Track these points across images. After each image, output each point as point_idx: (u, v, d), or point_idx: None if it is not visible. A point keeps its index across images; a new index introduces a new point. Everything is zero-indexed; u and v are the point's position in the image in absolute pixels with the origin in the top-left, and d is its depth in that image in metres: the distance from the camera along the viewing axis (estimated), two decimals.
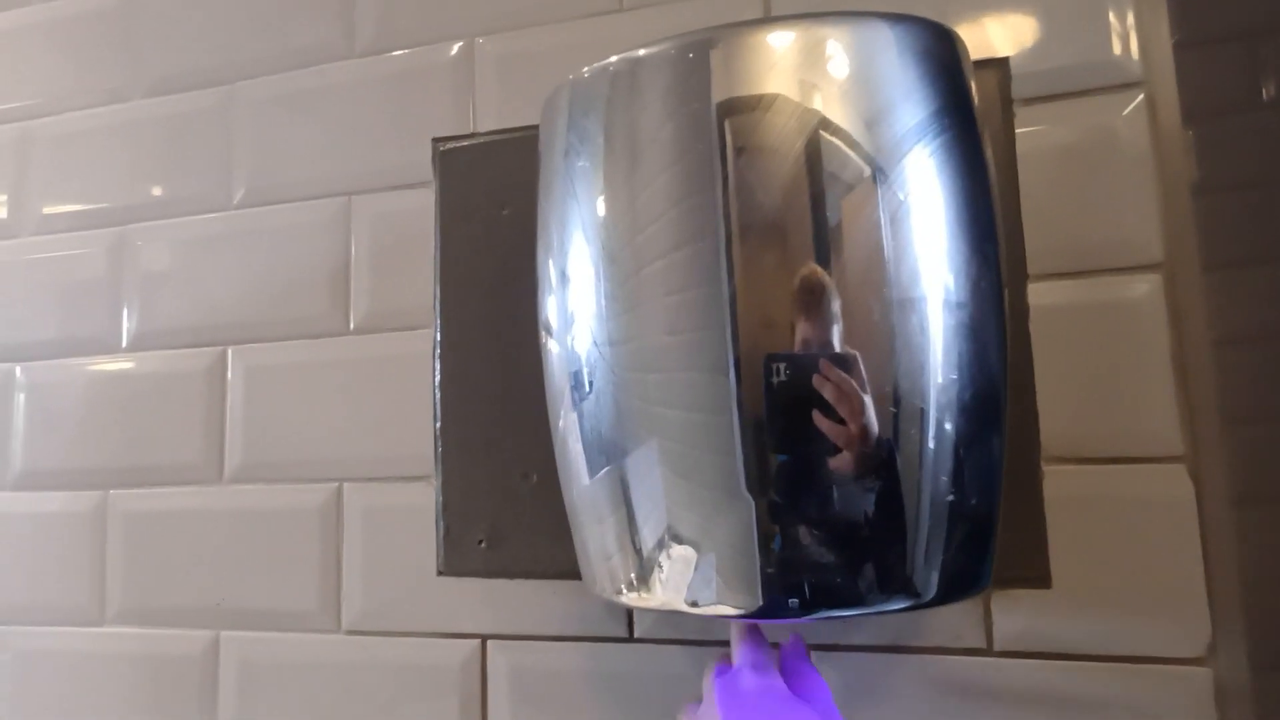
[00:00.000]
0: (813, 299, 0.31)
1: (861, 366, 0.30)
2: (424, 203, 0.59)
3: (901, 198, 0.31)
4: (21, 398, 0.66)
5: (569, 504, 0.39)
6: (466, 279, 0.58)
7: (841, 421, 0.30)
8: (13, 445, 0.66)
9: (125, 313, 0.65)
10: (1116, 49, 0.47)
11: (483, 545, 0.54)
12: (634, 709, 0.50)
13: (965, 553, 0.32)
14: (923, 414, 0.31)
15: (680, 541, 0.32)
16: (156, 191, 0.65)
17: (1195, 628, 0.43)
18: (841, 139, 0.32)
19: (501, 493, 0.54)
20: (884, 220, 0.31)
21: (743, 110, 0.33)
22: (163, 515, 0.61)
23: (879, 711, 0.46)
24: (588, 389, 0.35)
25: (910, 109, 0.32)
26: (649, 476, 0.33)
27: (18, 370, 0.66)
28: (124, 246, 0.66)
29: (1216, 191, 0.44)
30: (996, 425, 0.33)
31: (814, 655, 0.48)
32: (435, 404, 0.56)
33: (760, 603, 0.31)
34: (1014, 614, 0.45)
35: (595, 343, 0.35)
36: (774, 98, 0.32)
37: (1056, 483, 0.45)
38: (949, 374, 0.31)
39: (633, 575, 0.34)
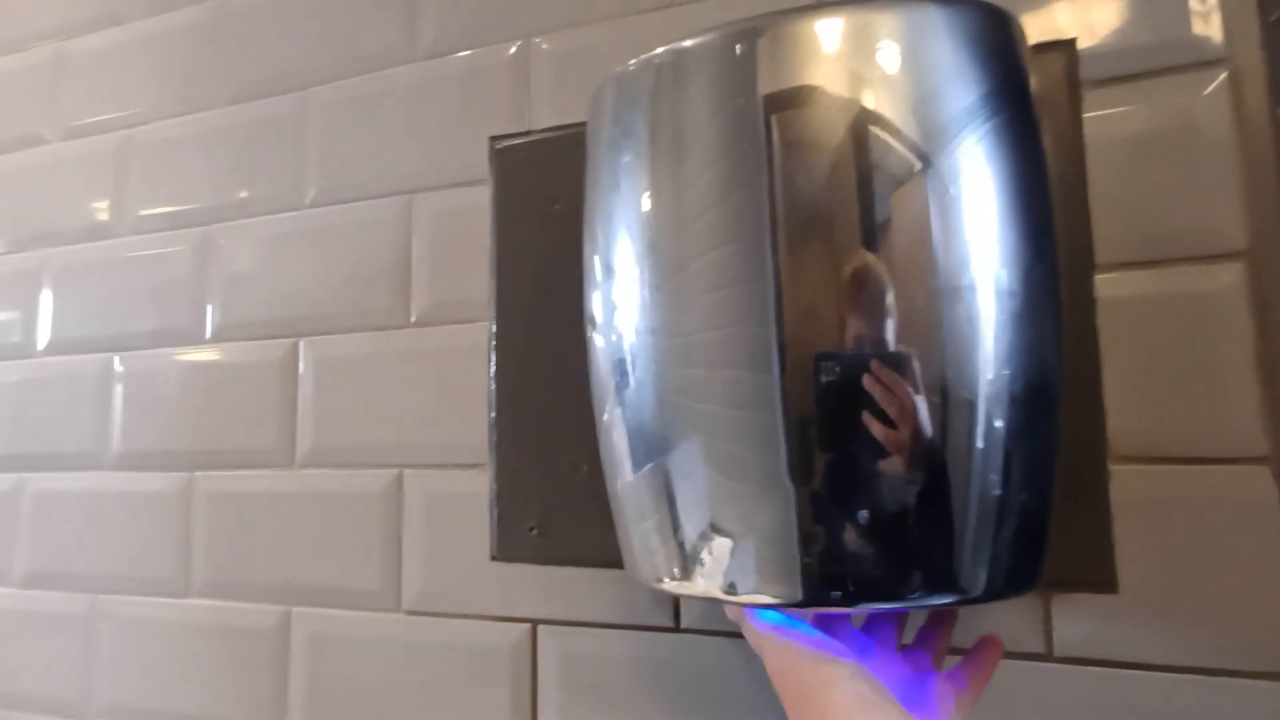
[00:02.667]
0: (861, 291, 0.31)
1: (915, 365, 0.30)
2: (481, 200, 0.61)
3: (950, 185, 0.30)
4: (119, 385, 0.71)
5: (612, 493, 0.40)
6: (520, 273, 0.59)
7: (890, 420, 0.30)
8: (112, 429, 0.71)
9: (209, 306, 0.69)
10: (1196, 26, 0.44)
11: (534, 532, 0.55)
12: (679, 698, 0.50)
13: (1015, 550, 0.31)
14: (971, 406, 0.30)
15: (721, 530, 0.32)
16: (237, 192, 0.70)
17: (1274, 640, 0.40)
18: (888, 128, 0.31)
19: (552, 482, 0.55)
20: (932, 209, 0.30)
21: (789, 102, 0.33)
22: (241, 496, 0.65)
23: None
24: (631, 381, 0.36)
25: (959, 93, 0.31)
26: (691, 466, 0.34)
27: (116, 360, 0.72)
28: (208, 245, 0.70)
29: None
30: (1049, 419, 0.32)
31: None
32: (490, 395, 0.58)
33: (800, 593, 0.31)
34: (1076, 620, 0.43)
35: (638, 334, 0.36)
36: (819, 89, 0.32)
37: (1125, 483, 0.43)
38: (999, 365, 0.30)
39: (674, 563, 0.35)
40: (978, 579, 0.30)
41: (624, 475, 0.37)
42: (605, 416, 0.40)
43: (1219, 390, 0.42)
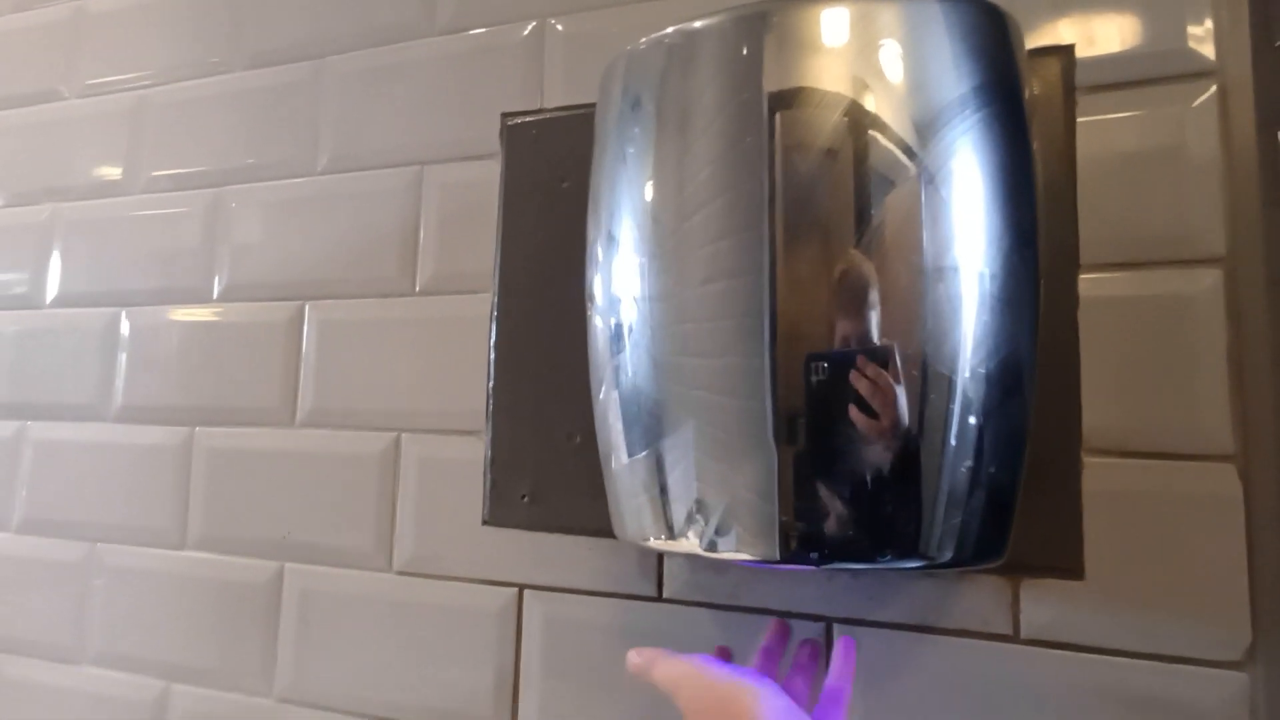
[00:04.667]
0: (849, 268, 0.32)
1: (898, 340, 0.31)
2: (490, 174, 0.62)
3: (938, 169, 0.32)
4: (125, 340, 0.73)
5: (604, 454, 0.41)
6: (525, 248, 0.60)
7: (872, 391, 0.32)
8: (116, 382, 0.72)
9: (217, 267, 0.70)
10: (1190, 39, 0.46)
11: (525, 500, 0.57)
12: None
13: (983, 521, 0.33)
14: (948, 381, 0.32)
15: (706, 490, 0.34)
16: (250, 157, 0.71)
17: (1234, 631, 0.42)
18: (882, 113, 0.33)
19: (546, 451, 0.57)
20: (921, 191, 0.32)
21: (791, 86, 0.34)
22: (240, 453, 0.66)
23: (900, 690, 0.47)
24: (627, 345, 0.37)
25: (952, 83, 0.32)
26: (681, 427, 0.35)
27: (123, 315, 0.73)
28: (219, 207, 0.71)
29: None
30: (1021, 398, 0.34)
31: (837, 628, 0.49)
32: (490, 364, 0.60)
33: (778, 552, 0.32)
34: (1043, 604, 0.45)
35: (636, 301, 0.37)
36: (821, 72, 0.34)
37: (1097, 475, 0.45)
38: (976, 343, 0.32)
39: (659, 520, 0.36)
40: (945, 547, 0.32)
41: (615, 436, 0.39)
42: (599, 375, 0.42)
43: (1191, 389, 0.44)
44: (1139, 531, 0.44)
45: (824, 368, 0.32)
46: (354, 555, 0.61)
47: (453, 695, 0.57)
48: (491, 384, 0.59)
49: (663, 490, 0.35)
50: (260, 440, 0.66)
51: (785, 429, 0.32)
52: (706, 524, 0.34)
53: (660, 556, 0.53)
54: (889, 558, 0.32)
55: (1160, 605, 0.43)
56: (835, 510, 0.32)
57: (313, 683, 0.61)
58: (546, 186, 0.60)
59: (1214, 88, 0.45)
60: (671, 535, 0.35)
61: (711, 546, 0.34)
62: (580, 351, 0.47)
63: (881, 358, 0.32)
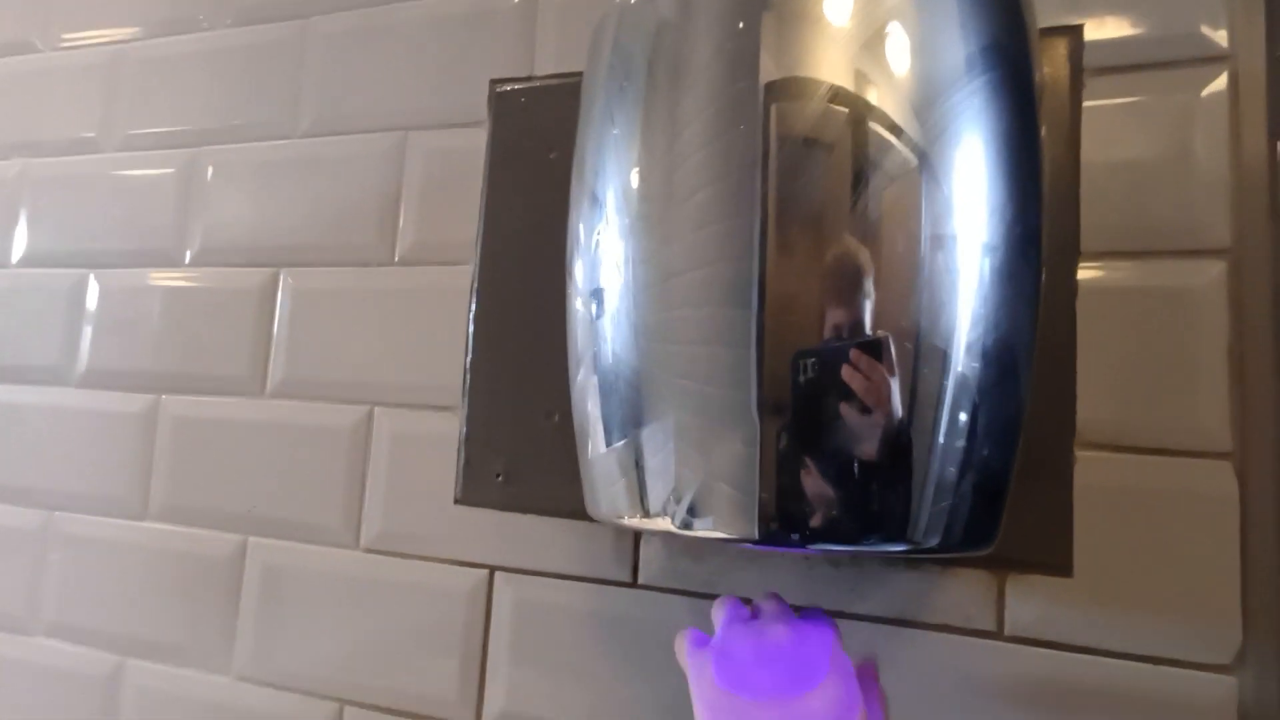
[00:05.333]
0: (842, 238, 0.30)
1: (893, 312, 0.30)
2: (476, 142, 0.60)
3: (940, 129, 0.30)
4: (92, 303, 0.70)
5: (578, 426, 0.39)
6: (509, 219, 0.58)
7: (863, 363, 0.30)
8: (81, 346, 0.70)
9: (190, 230, 0.68)
10: (1203, 23, 0.44)
11: (500, 479, 0.55)
12: (631, 652, 0.50)
13: (973, 505, 0.31)
14: (943, 356, 0.30)
15: (683, 465, 0.32)
16: (230, 117, 0.68)
17: (1225, 634, 0.40)
18: (883, 74, 0.31)
19: (523, 429, 0.55)
20: (921, 154, 0.30)
21: (788, 44, 0.32)
22: (207, 422, 0.64)
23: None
24: (606, 312, 0.35)
25: (958, 43, 0.31)
26: (660, 400, 0.33)
27: (91, 277, 0.71)
28: (195, 168, 0.69)
29: None
30: (1017, 378, 0.32)
31: None
32: (468, 338, 0.57)
33: (756, 531, 0.30)
34: (1029, 600, 0.44)
35: (618, 265, 0.35)
36: (820, 34, 0.32)
37: (1090, 470, 0.43)
38: (974, 318, 0.30)
39: (633, 497, 0.34)
40: (933, 531, 0.30)
41: (591, 408, 0.37)
42: (580, 362, 0.40)
43: (1190, 384, 0.42)
44: (1130, 529, 0.42)
45: (812, 340, 0.30)
46: (320, 531, 0.59)
47: (417, 678, 0.55)
48: (469, 359, 0.57)
49: (638, 466, 0.34)
50: (228, 410, 0.64)
51: (770, 403, 0.31)
52: (682, 502, 0.32)
53: (636, 540, 0.51)
54: (874, 541, 0.30)
55: (1150, 605, 0.42)
56: (819, 489, 0.30)
57: (273, 661, 0.59)
58: (534, 156, 0.58)
59: (1225, 74, 0.44)
60: (647, 514, 0.33)
61: (687, 525, 0.32)
62: (562, 329, 0.45)
63: (874, 331, 0.30)
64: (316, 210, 0.64)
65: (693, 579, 0.50)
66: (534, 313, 0.56)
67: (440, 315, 0.59)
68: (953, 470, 0.30)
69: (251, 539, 0.61)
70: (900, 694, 0.45)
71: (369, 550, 0.58)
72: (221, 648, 0.60)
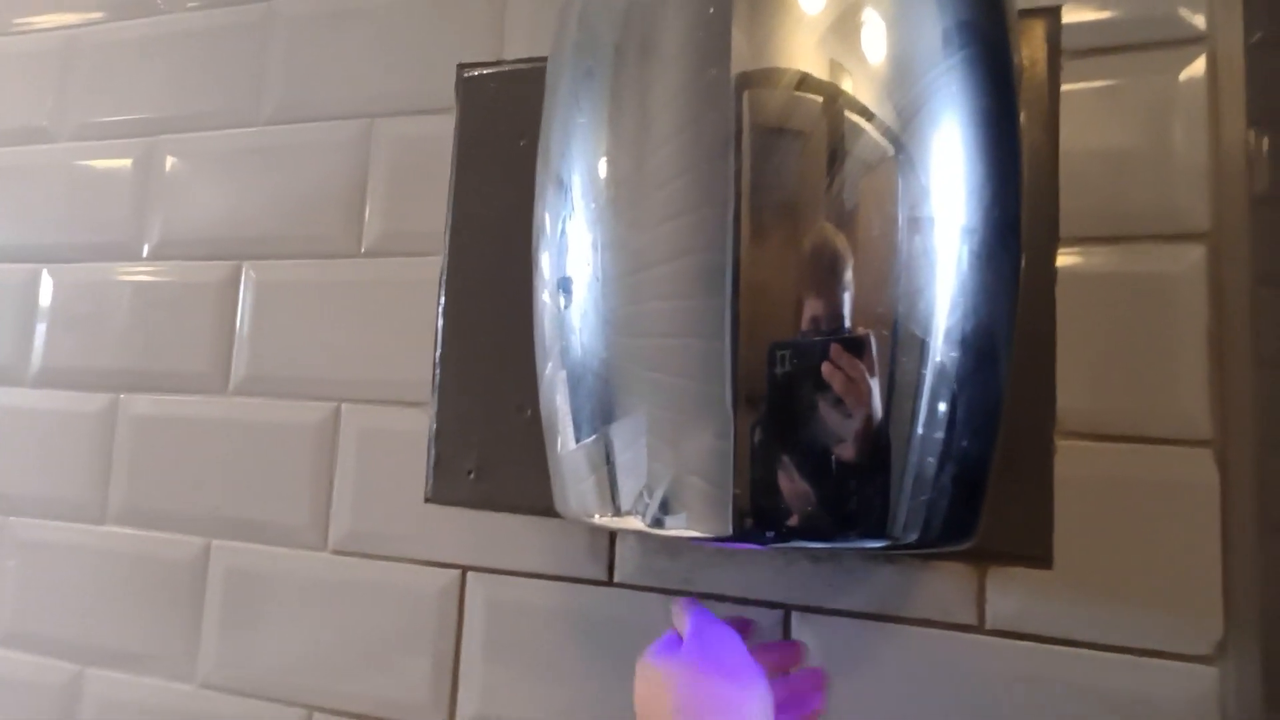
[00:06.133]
0: (817, 223, 0.29)
1: (868, 298, 0.29)
2: (444, 129, 0.58)
3: (916, 107, 0.29)
4: (46, 299, 0.67)
5: (546, 420, 0.38)
6: (479, 208, 0.57)
7: (839, 353, 0.29)
8: (35, 344, 0.67)
9: (148, 222, 0.65)
10: (1181, 4, 0.44)
11: (471, 476, 0.53)
12: (607, 653, 0.49)
13: (953, 498, 0.30)
14: (921, 344, 0.29)
15: (654, 460, 0.31)
16: (190, 104, 0.66)
17: (1206, 624, 0.40)
18: (855, 54, 0.30)
19: (495, 425, 0.53)
20: (897, 136, 0.29)
21: (761, 17, 0.31)
22: (168, 421, 0.62)
23: (858, 682, 0.45)
24: (573, 299, 0.34)
25: (932, 19, 0.29)
26: (630, 394, 0.32)
27: (44, 272, 0.68)
28: (153, 157, 0.66)
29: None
30: (997, 366, 0.31)
31: (795, 616, 0.46)
32: (438, 332, 0.56)
33: (730, 528, 0.29)
34: (1010, 593, 0.43)
35: (585, 250, 0.34)
36: (793, 7, 0.30)
37: (1070, 459, 0.43)
38: (952, 304, 0.29)
39: (603, 494, 0.33)
40: (913, 526, 0.29)
41: (560, 402, 0.35)
42: (548, 357, 0.38)
43: (1170, 371, 0.42)
44: (1111, 519, 0.42)
45: (788, 330, 0.29)
46: (287, 532, 0.57)
47: (388, 682, 0.53)
48: (439, 353, 0.56)
49: (609, 462, 0.32)
50: (190, 408, 0.61)
51: (744, 396, 0.29)
52: (654, 499, 0.31)
53: (612, 539, 0.50)
54: (851, 537, 0.29)
55: (1131, 596, 0.41)
56: (794, 485, 0.29)
57: (238, 668, 0.57)
58: (503, 143, 0.57)
59: (1203, 57, 0.43)
60: (618, 512, 0.32)
61: (658, 523, 0.31)
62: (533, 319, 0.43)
63: (851, 318, 0.29)
64: (280, 200, 0.62)
65: (670, 576, 0.48)
66: (505, 304, 0.54)
67: (409, 308, 0.57)
68: (932, 462, 0.29)
69: (215, 542, 0.59)
70: (882, 690, 0.44)
71: (337, 551, 0.56)
72: (185, 655, 0.58)
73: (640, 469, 0.31)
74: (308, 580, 0.56)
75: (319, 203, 0.61)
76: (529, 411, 0.52)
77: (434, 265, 0.57)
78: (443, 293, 0.56)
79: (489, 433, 0.53)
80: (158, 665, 0.59)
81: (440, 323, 0.56)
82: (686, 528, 0.30)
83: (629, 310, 0.32)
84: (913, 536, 0.29)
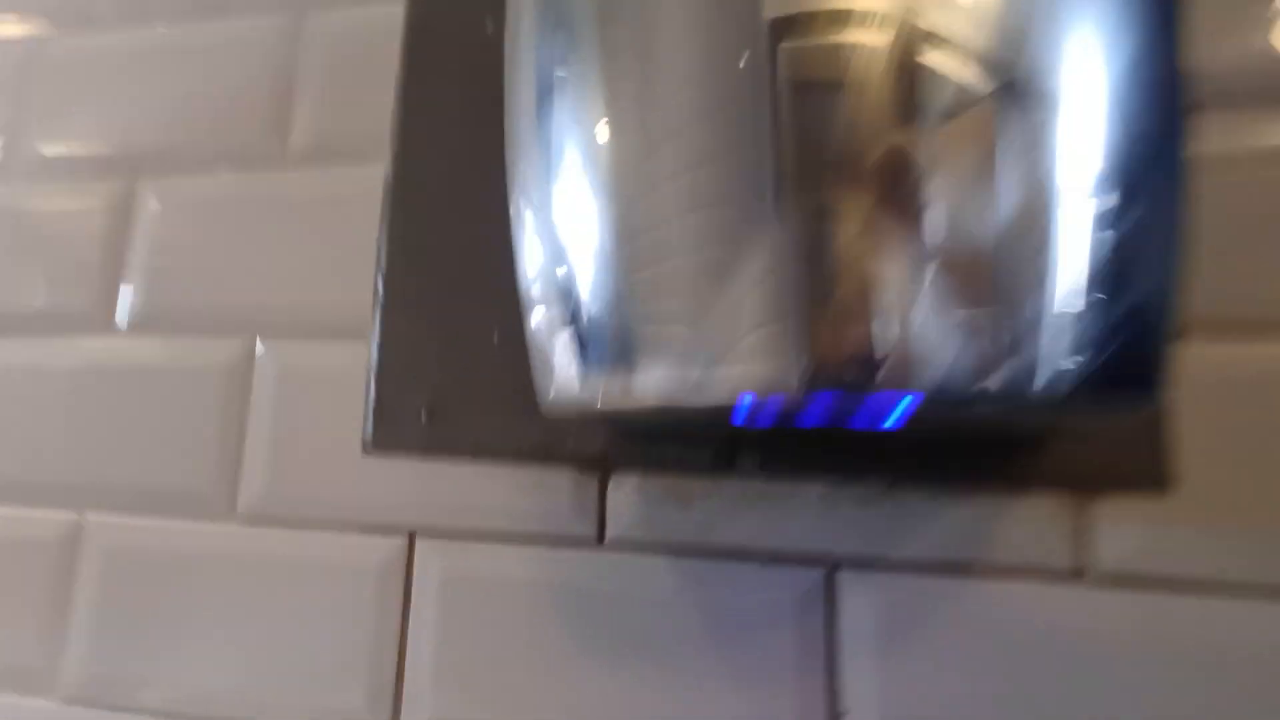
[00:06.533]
0: None
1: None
2: (392, 14, 0.48)
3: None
4: None
5: (534, 296, 0.27)
6: (434, 106, 0.47)
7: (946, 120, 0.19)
8: None
9: (22, 136, 0.53)
10: None
11: (423, 418, 0.42)
12: (597, 634, 0.38)
13: (1130, 330, 0.20)
14: (1079, 102, 0.19)
15: (677, 294, 0.21)
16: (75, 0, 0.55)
17: None
18: None
19: (456, 353, 0.42)
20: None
21: None
22: (35, 370, 0.49)
23: (926, 651, 0.35)
24: (556, 89, 0.24)
25: None
26: (651, 209, 0.22)
27: None
28: (32, 60, 0.54)
29: None
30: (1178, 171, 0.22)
31: (842, 575, 0.36)
32: (380, 248, 0.45)
33: (796, 378, 0.19)
34: (1120, 529, 0.34)
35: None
36: None
37: (1194, 355, 0.34)
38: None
39: (607, 353, 0.23)
40: (1066, 370, 0.20)
41: (539, 213, 0.25)
42: (523, 140, 0.28)
43: None
44: (1244, 429, 0.33)
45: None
46: (183, 500, 0.45)
47: (313, 685, 0.41)
48: (383, 272, 0.45)
49: (613, 292, 0.22)
50: (65, 353, 0.49)
51: (798, 185, 0.20)
52: (685, 353, 0.21)
53: (603, 486, 0.39)
54: (989, 389, 0.19)
55: (1273, 524, 0.32)
56: (889, 308, 0.19)
57: (116, 676, 0.44)
58: (463, 29, 0.47)
59: None
60: (628, 371, 0.22)
61: (700, 386, 0.21)
62: (506, 230, 0.33)
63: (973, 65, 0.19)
64: (185, 104, 0.51)
65: (679, 529, 0.38)
66: (468, 216, 0.44)
67: (346, 224, 0.46)
68: (1099, 275, 0.20)
69: (90, 516, 0.46)
70: (954, 661, 0.34)
71: (249, 521, 0.44)
72: (47, 660, 0.45)
73: (676, 309, 0.21)
74: (210, 559, 0.44)
75: (234, 104, 0.50)
76: (496, 336, 0.42)
77: (376, 175, 0.46)
78: (388, 201, 0.45)
79: (448, 363, 0.42)
80: (10, 676, 0.45)
81: (384, 237, 0.45)
82: (738, 385, 0.20)
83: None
84: (1065, 387, 0.19)
